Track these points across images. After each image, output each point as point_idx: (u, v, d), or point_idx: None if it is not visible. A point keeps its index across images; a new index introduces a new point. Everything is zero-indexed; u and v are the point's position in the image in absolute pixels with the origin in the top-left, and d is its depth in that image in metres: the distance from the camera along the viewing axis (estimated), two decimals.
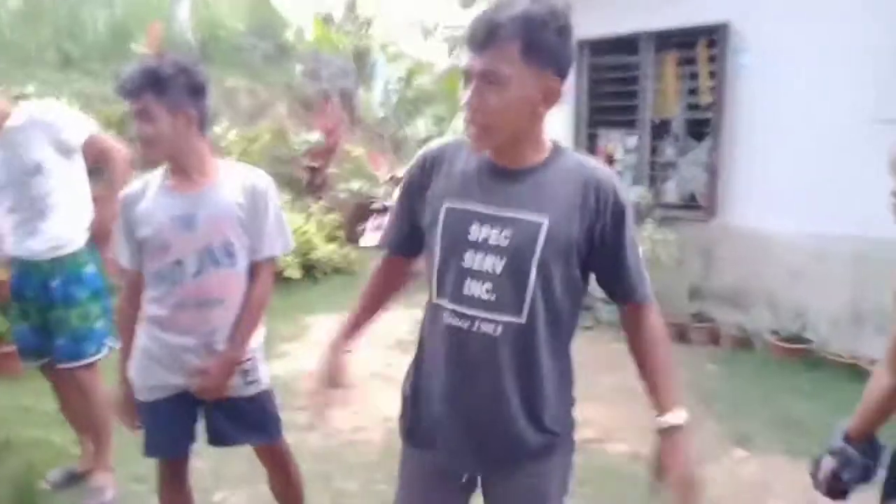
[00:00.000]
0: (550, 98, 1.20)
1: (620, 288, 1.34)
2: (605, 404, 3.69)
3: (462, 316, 1.26)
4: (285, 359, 4.39)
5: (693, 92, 4.91)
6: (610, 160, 5.40)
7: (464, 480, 1.37)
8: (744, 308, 4.65)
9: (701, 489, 1.27)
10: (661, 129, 5.29)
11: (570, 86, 5.24)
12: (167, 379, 1.87)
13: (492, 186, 1.26)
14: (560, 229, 1.23)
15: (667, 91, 5.02)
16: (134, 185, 1.91)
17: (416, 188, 1.37)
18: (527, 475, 1.36)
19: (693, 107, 4.97)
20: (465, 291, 1.25)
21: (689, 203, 4.99)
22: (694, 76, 4.86)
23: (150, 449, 1.94)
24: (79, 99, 5.80)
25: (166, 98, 1.72)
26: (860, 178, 4.01)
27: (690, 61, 4.84)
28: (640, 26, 4.85)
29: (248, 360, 1.93)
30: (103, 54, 8.01)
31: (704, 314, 4.78)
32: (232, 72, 8.71)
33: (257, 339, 1.97)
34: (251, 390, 1.96)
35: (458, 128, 10.13)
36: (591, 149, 5.45)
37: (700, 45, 4.73)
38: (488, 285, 1.23)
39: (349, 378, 1.45)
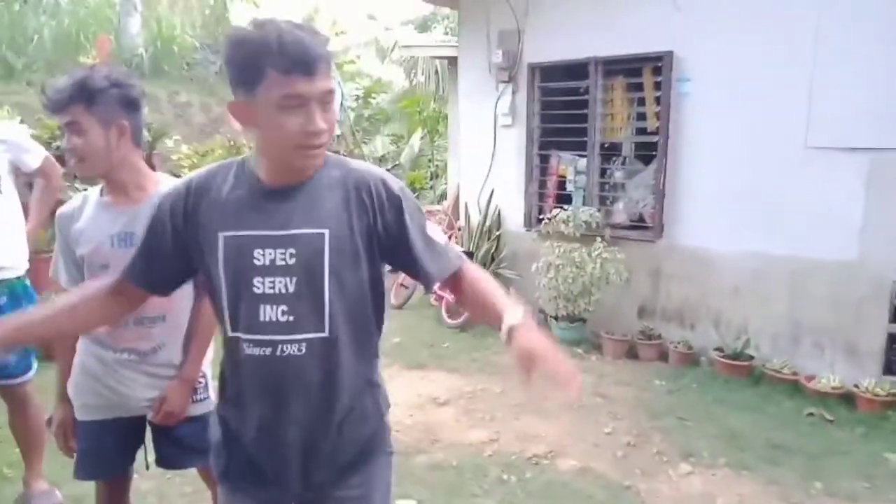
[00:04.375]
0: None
1: (423, 273, 1.32)
2: (554, 420, 3.74)
3: (263, 343, 1.24)
4: None
5: (641, 116, 5.08)
6: (562, 181, 5.54)
7: None
8: (690, 325, 4.80)
9: (548, 359, 1.16)
10: (610, 152, 5.45)
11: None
12: (106, 397, 1.82)
13: (268, 208, 1.24)
14: (342, 236, 1.23)
15: (615, 115, 5.19)
16: (71, 203, 1.85)
17: (178, 218, 1.29)
18: (349, 488, 1.36)
19: (641, 131, 5.13)
20: (262, 318, 1.23)
21: (637, 223, 5.13)
22: (641, 101, 5.03)
23: (81, 471, 1.87)
24: (20, 111, 5.61)
25: (97, 110, 1.67)
26: (794, 200, 4.24)
27: (638, 87, 5.02)
28: (589, 53, 5.01)
29: (201, 377, 1.91)
30: (48, 65, 7.78)
31: (652, 331, 4.90)
32: (185, 87, 8.58)
33: (207, 356, 1.94)
34: (199, 409, 1.92)
35: (415, 145, 10.21)
36: (544, 169, 5.58)
37: (646, 72, 4.91)
38: (284, 307, 1.22)
39: None
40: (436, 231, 1.35)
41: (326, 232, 1.22)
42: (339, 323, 1.25)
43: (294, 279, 1.22)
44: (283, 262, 1.22)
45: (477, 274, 1.36)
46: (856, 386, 3.94)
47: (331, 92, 1.17)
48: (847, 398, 3.94)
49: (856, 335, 4.07)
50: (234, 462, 1.36)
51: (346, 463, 1.34)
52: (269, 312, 1.23)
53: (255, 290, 1.22)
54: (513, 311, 1.22)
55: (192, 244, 1.28)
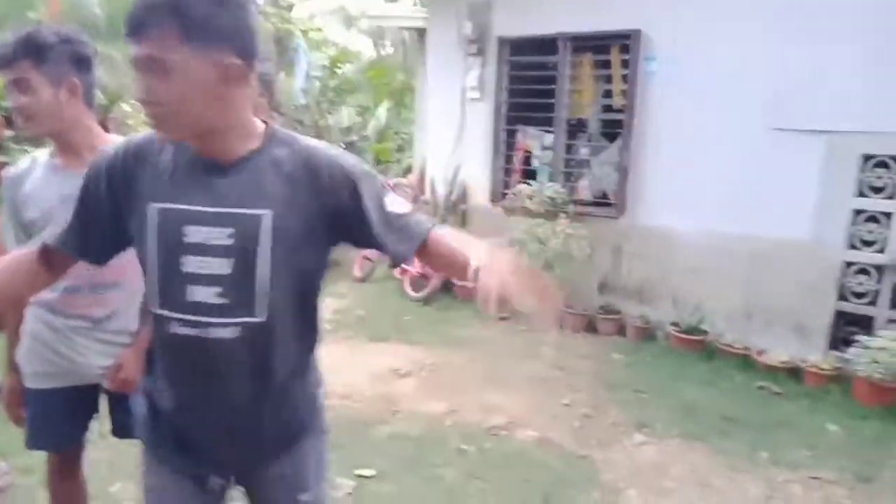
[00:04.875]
0: (234, 78, 1.09)
1: (390, 253, 1.26)
2: (514, 392, 3.80)
3: (191, 324, 1.15)
4: None
5: (607, 94, 5.10)
6: (528, 156, 5.55)
7: (216, 485, 1.33)
8: (648, 301, 4.90)
9: (508, 294, 1.06)
10: (576, 129, 5.46)
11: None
12: (57, 364, 1.77)
13: (205, 182, 1.14)
14: (286, 218, 1.14)
15: (583, 92, 5.20)
16: (19, 165, 1.78)
17: (114, 181, 1.19)
18: (281, 467, 1.34)
19: (607, 108, 5.16)
20: (190, 298, 1.14)
21: (601, 200, 5.20)
22: (609, 79, 5.05)
23: (32, 440, 1.83)
24: None
25: (47, 67, 1.60)
26: (755, 180, 4.33)
27: (606, 65, 5.04)
28: (558, 28, 4.99)
29: None
30: None
31: (612, 306, 5.00)
32: None
33: None
34: None
35: (381, 117, 10.08)
36: (510, 144, 5.58)
37: (614, 50, 4.93)
38: (217, 289, 1.14)
39: None
40: (397, 203, 1.26)
41: (269, 213, 1.13)
42: (278, 308, 1.18)
43: (231, 261, 1.13)
44: (218, 242, 1.13)
45: (442, 235, 1.26)
46: (803, 361, 4.10)
47: (155, 59, 1.04)
48: (795, 372, 4.10)
49: (805, 312, 4.22)
50: (160, 435, 1.31)
51: (275, 444, 1.31)
52: (198, 293, 1.14)
53: (182, 268, 1.14)
54: (476, 253, 1.14)
55: (126, 210, 1.19)
